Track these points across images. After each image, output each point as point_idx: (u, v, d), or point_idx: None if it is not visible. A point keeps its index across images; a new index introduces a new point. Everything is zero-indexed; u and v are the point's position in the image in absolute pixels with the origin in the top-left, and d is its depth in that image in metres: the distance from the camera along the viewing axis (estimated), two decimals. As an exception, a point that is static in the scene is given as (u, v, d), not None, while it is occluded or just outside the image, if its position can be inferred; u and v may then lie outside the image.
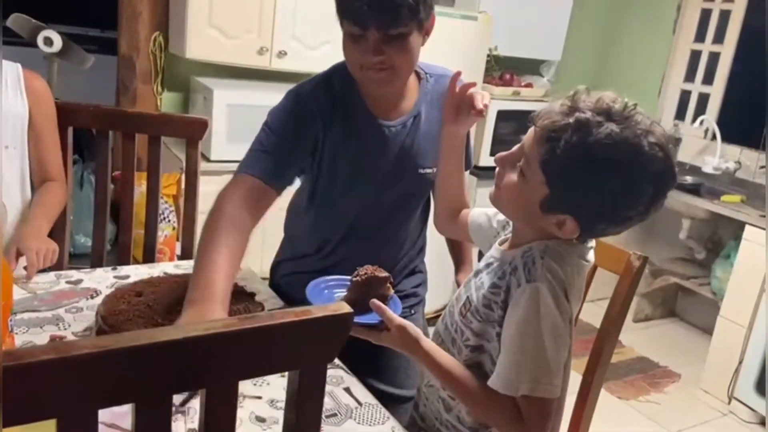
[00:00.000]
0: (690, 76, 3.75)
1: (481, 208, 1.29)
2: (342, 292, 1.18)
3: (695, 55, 3.72)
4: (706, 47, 3.66)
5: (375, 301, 1.07)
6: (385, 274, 1.13)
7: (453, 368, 1.05)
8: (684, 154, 3.65)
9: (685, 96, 3.78)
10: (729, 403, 2.85)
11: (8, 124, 1.63)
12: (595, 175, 0.92)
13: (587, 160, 0.92)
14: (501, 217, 1.21)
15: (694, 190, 3.28)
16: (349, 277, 1.14)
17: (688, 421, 2.77)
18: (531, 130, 1.00)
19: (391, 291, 1.15)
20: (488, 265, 1.12)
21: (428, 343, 1.07)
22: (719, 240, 3.49)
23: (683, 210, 3.39)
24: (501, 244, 1.14)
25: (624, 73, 3.93)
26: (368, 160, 1.40)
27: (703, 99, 3.67)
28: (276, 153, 1.31)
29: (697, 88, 3.71)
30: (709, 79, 3.64)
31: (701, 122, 3.52)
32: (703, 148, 3.60)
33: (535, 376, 0.96)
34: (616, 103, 0.94)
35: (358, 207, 1.44)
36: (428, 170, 1.44)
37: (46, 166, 1.71)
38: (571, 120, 0.93)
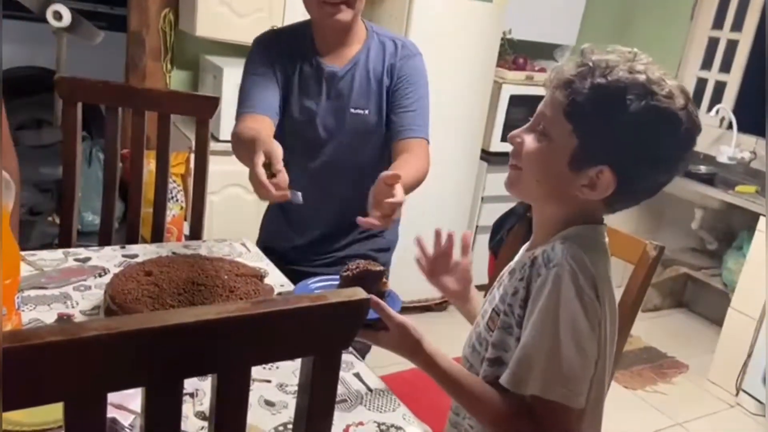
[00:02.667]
0: (707, 64, 3.68)
1: None
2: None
3: (713, 43, 3.65)
4: (724, 34, 3.59)
5: (373, 297, 0.98)
6: (379, 267, 1.06)
7: (460, 375, 0.97)
8: (699, 144, 3.50)
9: (701, 84, 3.71)
10: (737, 395, 2.83)
11: None
12: (626, 108, 0.87)
13: (617, 92, 0.87)
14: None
15: (708, 179, 3.23)
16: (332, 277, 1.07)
17: (695, 412, 2.75)
18: (546, 93, 0.95)
19: (388, 286, 1.08)
20: (510, 272, 1.04)
21: (431, 346, 0.99)
22: (732, 231, 3.45)
23: (696, 200, 3.34)
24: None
25: (639, 59, 3.87)
26: (311, 97, 1.56)
27: (720, 87, 3.60)
28: (259, 89, 1.53)
29: (713, 76, 3.64)
30: (726, 67, 3.58)
31: (717, 111, 3.46)
32: (718, 138, 3.54)
33: (547, 375, 0.87)
34: (628, 51, 0.92)
35: (308, 148, 1.60)
36: (359, 111, 1.56)
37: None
38: (590, 63, 0.90)
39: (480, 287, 1.47)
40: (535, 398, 0.89)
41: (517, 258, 1.07)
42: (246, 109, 1.51)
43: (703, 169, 3.35)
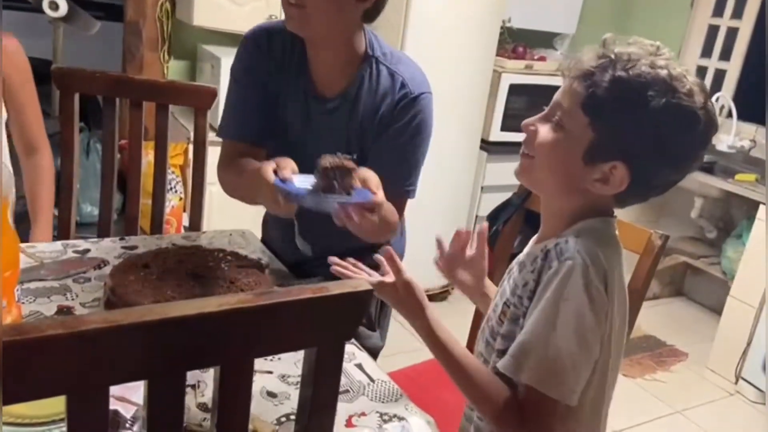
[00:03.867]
0: (707, 52, 3.66)
1: None
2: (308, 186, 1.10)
3: (713, 30, 3.63)
4: (725, 22, 3.57)
5: (387, 248, 1.00)
6: (352, 165, 1.09)
7: (455, 349, 0.96)
8: (698, 132, 3.58)
9: (701, 72, 3.69)
10: (736, 382, 2.84)
11: None
12: (647, 104, 0.85)
13: (638, 87, 0.85)
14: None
15: (708, 168, 3.23)
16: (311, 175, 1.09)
17: (695, 400, 2.76)
18: (564, 83, 0.93)
19: (357, 183, 1.10)
20: (520, 264, 1.02)
21: (434, 314, 0.98)
22: (731, 219, 3.45)
23: (696, 188, 3.34)
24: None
25: (639, 47, 3.86)
26: (297, 125, 1.38)
27: (720, 75, 3.59)
28: (240, 108, 1.39)
29: (713, 64, 3.63)
30: (726, 55, 3.56)
31: (717, 99, 3.45)
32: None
33: (542, 365, 0.87)
34: (651, 45, 0.90)
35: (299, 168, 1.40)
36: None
37: (27, 133, 1.60)
38: (612, 55, 0.88)
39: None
40: (529, 388, 0.89)
41: (526, 250, 1.05)
42: (234, 133, 1.38)
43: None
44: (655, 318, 3.43)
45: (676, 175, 0.93)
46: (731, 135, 3.37)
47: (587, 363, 0.89)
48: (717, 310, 3.14)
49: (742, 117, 3.39)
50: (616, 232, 0.98)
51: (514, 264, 1.06)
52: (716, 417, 2.68)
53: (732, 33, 3.53)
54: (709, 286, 3.56)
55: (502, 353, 0.96)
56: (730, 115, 3.43)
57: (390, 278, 1.01)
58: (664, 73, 0.87)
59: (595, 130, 0.89)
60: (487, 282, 1.21)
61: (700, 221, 3.51)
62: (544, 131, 0.94)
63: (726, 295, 2.93)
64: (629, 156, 0.89)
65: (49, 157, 1.68)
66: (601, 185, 0.91)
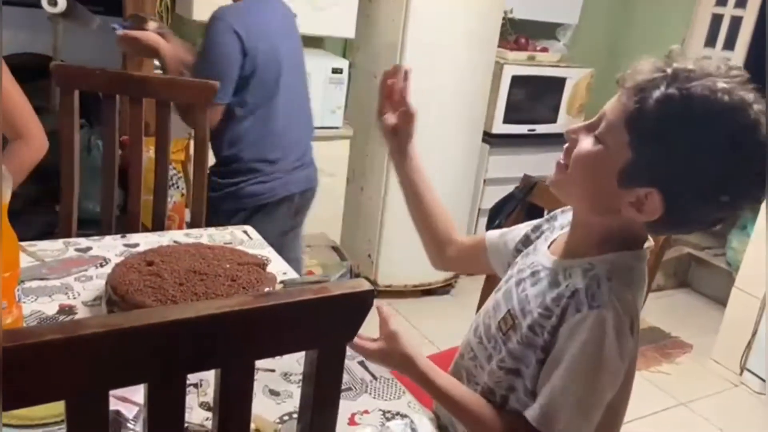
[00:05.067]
0: (711, 41, 3.63)
1: (494, 231, 1.17)
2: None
3: (716, 20, 3.60)
4: (728, 11, 3.54)
5: (381, 307, 0.99)
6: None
7: (455, 392, 0.96)
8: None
9: (705, 62, 3.67)
10: (741, 374, 2.84)
11: None
12: (691, 131, 0.77)
13: (685, 111, 0.77)
14: (514, 235, 1.10)
15: (712, 159, 3.21)
16: None
17: (699, 392, 2.76)
18: (618, 92, 0.85)
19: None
20: (534, 274, 0.97)
21: (425, 361, 0.97)
22: (735, 210, 3.44)
23: (700, 179, 3.32)
24: (549, 247, 1.00)
25: (643, 37, 3.82)
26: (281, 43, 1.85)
27: (724, 65, 3.56)
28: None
29: (717, 53, 3.60)
30: (730, 44, 3.53)
31: (721, 89, 3.42)
32: (721, 116, 3.51)
33: (573, 420, 0.86)
34: (722, 63, 0.81)
35: (286, 98, 1.89)
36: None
37: (9, 122, 1.59)
38: (669, 71, 0.79)
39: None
40: None
41: (544, 260, 0.98)
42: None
43: (707, 148, 3.32)
44: (660, 310, 3.42)
45: (722, 213, 0.84)
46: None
47: (602, 402, 0.89)
48: (722, 301, 3.13)
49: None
50: (645, 266, 0.93)
51: (527, 269, 1.01)
52: (721, 408, 2.68)
53: (736, 22, 3.50)
54: (713, 277, 3.55)
55: (509, 371, 0.96)
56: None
57: (372, 344, 0.99)
58: (725, 98, 0.77)
59: (633, 150, 0.82)
60: (414, 152, 1.18)
61: (705, 212, 3.49)
62: (585, 142, 0.88)
63: (731, 287, 2.92)
64: (665, 185, 0.81)
65: (31, 145, 1.63)
66: (634, 211, 0.84)
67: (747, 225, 3.09)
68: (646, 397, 2.69)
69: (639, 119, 0.80)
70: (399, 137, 1.17)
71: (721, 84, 0.78)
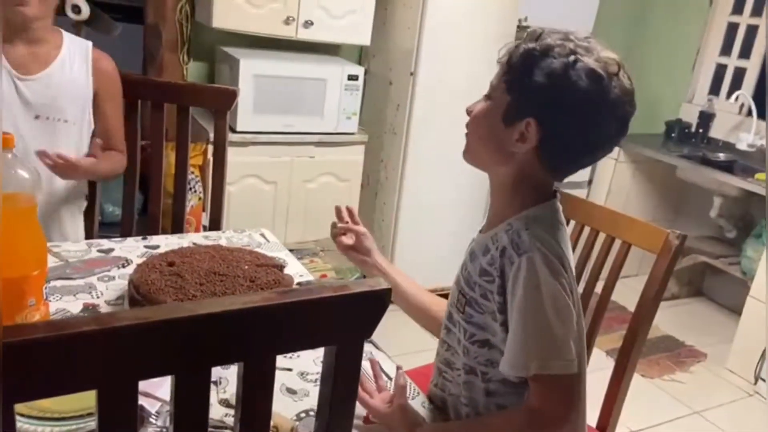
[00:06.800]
0: (726, 50, 3.63)
1: None
2: None
3: (732, 28, 3.60)
4: (744, 20, 3.53)
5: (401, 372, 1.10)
6: None
7: (473, 427, 1.04)
8: (717, 131, 3.56)
9: (720, 70, 3.66)
10: (755, 383, 2.82)
11: (72, 99, 1.68)
12: (548, 63, 0.94)
13: (542, 51, 0.95)
14: None
15: (727, 167, 3.20)
16: None
17: (713, 401, 2.75)
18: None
19: None
20: (471, 254, 1.07)
21: (427, 428, 1.05)
22: (751, 219, 3.42)
23: (715, 187, 3.31)
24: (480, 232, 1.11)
25: (658, 45, 3.82)
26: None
27: (740, 73, 3.56)
28: None
29: (733, 62, 3.60)
30: (746, 53, 3.53)
31: (737, 98, 3.42)
32: (737, 125, 3.50)
33: (543, 354, 0.92)
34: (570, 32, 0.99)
35: None
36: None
37: (109, 139, 1.76)
38: (524, 35, 1.01)
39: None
40: (537, 377, 0.93)
41: (476, 241, 1.09)
42: None
43: (721, 156, 3.31)
44: (674, 318, 3.41)
45: (591, 134, 0.98)
46: (751, 134, 3.34)
47: (571, 333, 0.95)
48: (736, 310, 3.12)
49: (761, 116, 3.35)
50: (561, 213, 1.04)
51: (465, 256, 1.11)
52: (735, 418, 2.66)
53: (752, 31, 3.50)
54: (728, 286, 3.53)
55: (483, 343, 1.02)
56: (750, 113, 3.40)
57: (383, 406, 1.07)
58: (570, 44, 0.95)
59: (509, 93, 0.99)
60: (379, 257, 1.34)
61: (720, 221, 3.48)
62: (478, 106, 1.05)
63: (745, 295, 2.91)
64: (538, 111, 0.96)
65: (123, 156, 1.81)
66: (521, 144, 0.98)
67: (762, 233, 3.07)
68: (659, 405, 2.68)
69: (509, 69, 1.00)
70: (359, 253, 1.34)
71: (570, 36, 0.97)
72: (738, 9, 3.56)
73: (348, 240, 1.34)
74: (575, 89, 0.93)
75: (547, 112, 0.96)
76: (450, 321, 1.10)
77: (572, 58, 0.94)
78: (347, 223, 1.35)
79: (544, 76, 0.94)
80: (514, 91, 0.98)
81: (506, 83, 1.00)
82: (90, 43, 1.73)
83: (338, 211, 1.36)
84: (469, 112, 1.07)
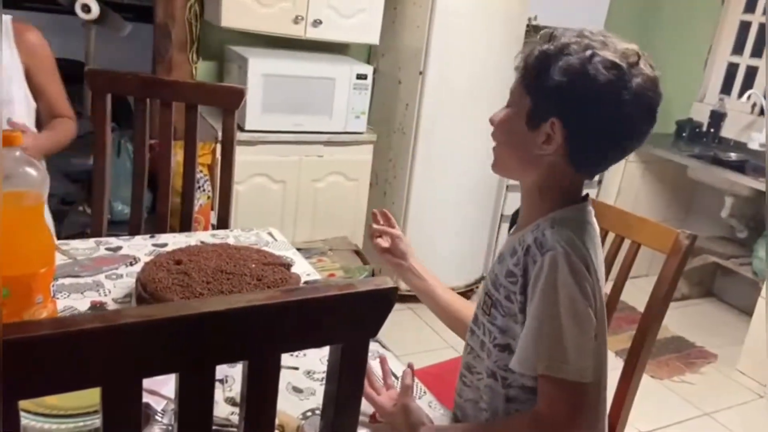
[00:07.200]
0: (738, 49, 3.60)
1: None
2: None
3: (744, 27, 3.57)
4: (756, 18, 3.50)
5: (408, 370, 1.11)
6: None
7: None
8: (729, 130, 3.53)
9: (732, 69, 3.63)
10: (766, 385, 2.79)
11: (9, 80, 1.62)
12: (565, 60, 0.92)
13: (558, 50, 0.94)
14: None
15: (739, 167, 3.17)
16: None
17: (724, 403, 2.72)
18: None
19: None
20: (500, 257, 1.06)
21: (430, 429, 1.05)
22: (763, 219, 3.39)
23: (726, 187, 3.29)
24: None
25: (669, 43, 3.79)
26: None
27: (752, 72, 3.52)
28: None
29: (745, 60, 3.56)
30: (758, 51, 3.50)
31: (749, 97, 3.39)
32: (749, 124, 3.47)
33: (553, 355, 0.90)
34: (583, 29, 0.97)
35: None
36: None
37: (53, 109, 1.75)
38: (537, 37, 0.99)
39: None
40: (546, 379, 0.91)
41: (505, 243, 1.09)
42: None
43: (733, 156, 3.29)
44: (684, 319, 3.39)
45: (614, 129, 0.96)
46: (763, 133, 3.31)
47: (590, 339, 0.92)
48: (747, 311, 3.09)
49: (774, 115, 3.32)
50: (592, 217, 1.02)
51: (495, 259, 1.10)
52: (746, 419, 2.64)
53: (764, 29, 3.46)
54: (739, 286, 3.50)
55: (503, 348, 1.01)
56: (762, 112, 3.37)
57: (389, 404, 1.07)
58: (585, 41, 0.94)
59: (530, 96, 0.98)
60: (414, 262, 1.35)
61: (731, 221, 3.45)
62: (500, 114, 1.04)
63: (757, 296, 2.88)
64: (560, 110, 0.95)
65: (71, 120, 1.79)
66: (547, 146, 0.97)
67: (774, 234, 3.05)
68: (669, 406, 2.66)
69: (526, 72, 0.98)
70: (393, 256, 1.35)
71: (585, 32, 0.95)
72: (750, 7, 3.52)
73: (383, 243, 1.35)
74: (594, 82, 0.92)
75: (569, 109, 0.95)
76: (475, 323, 1.09)
77: (589, 52, 0.92)
78: (382, 225, 1.36)
79: (562, 73, 0.93)
80: (533, 93, 0.98)
81: (525, 87, 0.99)
82: (9, 17, 1.64)
83: (374, 215, 1.38)
84: (492, 122, 1.06)
